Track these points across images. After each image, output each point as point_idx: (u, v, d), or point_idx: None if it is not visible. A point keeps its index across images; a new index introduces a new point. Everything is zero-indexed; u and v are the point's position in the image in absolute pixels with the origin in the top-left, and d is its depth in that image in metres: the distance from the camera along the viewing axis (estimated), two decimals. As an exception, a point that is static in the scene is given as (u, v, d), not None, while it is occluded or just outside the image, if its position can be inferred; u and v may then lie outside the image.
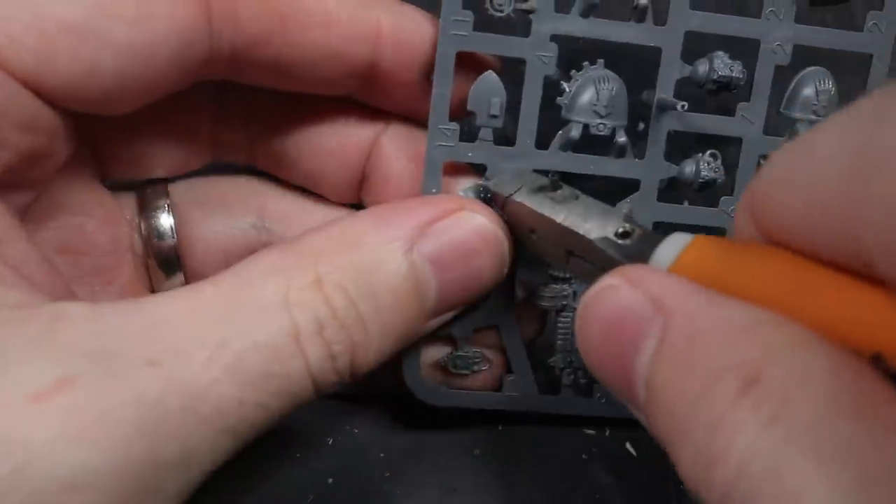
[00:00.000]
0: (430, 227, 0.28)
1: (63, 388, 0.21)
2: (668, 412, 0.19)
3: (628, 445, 0.35)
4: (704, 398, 0.18)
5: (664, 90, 0.31)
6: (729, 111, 0.32)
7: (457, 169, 0.32)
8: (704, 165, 0.32)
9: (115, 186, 0.32)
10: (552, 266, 0.33)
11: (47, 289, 0.25)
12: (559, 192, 0.28)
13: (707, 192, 0.32)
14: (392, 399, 0.36)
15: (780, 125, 0.32)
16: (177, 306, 0.24)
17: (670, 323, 0.20)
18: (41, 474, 0.20)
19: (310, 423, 0.36)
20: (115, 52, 0.25)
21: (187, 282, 0.32)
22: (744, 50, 0.31)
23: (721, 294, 0.20)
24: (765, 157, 0.32)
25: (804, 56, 0.32)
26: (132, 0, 0.26)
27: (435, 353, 0.33)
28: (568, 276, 0.33)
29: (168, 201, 0.32)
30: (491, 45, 0.30)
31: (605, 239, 0.26)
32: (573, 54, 0.31)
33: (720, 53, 0.31)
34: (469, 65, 0.31)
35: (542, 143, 0.31)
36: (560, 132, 0.31)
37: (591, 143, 0.32)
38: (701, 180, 0.32)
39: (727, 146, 0.32)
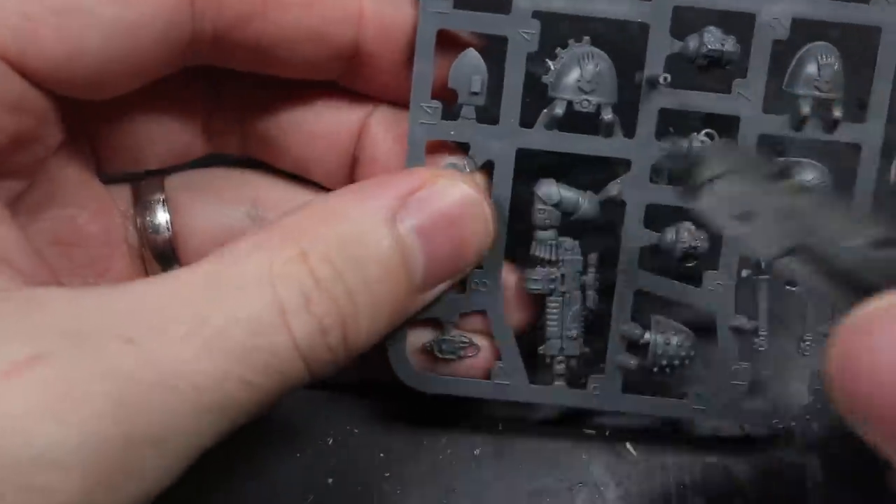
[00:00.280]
0: (412, 197, 0.28)
1: (34, 364, 0.21)
2: None
3: (628, 445, 0.34)
4: None
5: (653, 67, 0.30)
6: (727, 91, 0.31)
7: (444, 147, 0.32)
8: (698, 143, 0.31)
9: (111, 179, 0.33)
10: (538, 246, 0.32)
11: (30, 276, 0.25)
12: (788, 181, 0.26)
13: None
14: (392, 390, 0.35)
15: (781, 103, 0.31)
16: (156, 288, 0.24)
17: None
18: (11, 450, 0.20)
19: (310, 422, 0.36)
20: (100, 32, 0.26)
21: None
22: (741, 26, 0.30)
23: None
24: (765, 136, 0.31)
25: (805, 30, 0.30)
26: None
27: (423, 337, 0.32)
28: (555, 258, 0.32)
29: (163, 193, 0.33)
30: (472, 22, 0.30)
31: (860, 247, 0.21)
32: (560, 33, 0.31)
33: (712, 28, 0.30)
34: (452, 44, 0.31)
35: (531, 122, 0.31)
36: (545, 110, 0.31)
37: (579, 123, 0.31)
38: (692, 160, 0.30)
39: (725, 127, 0.31)
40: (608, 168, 0.32)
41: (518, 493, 0.34)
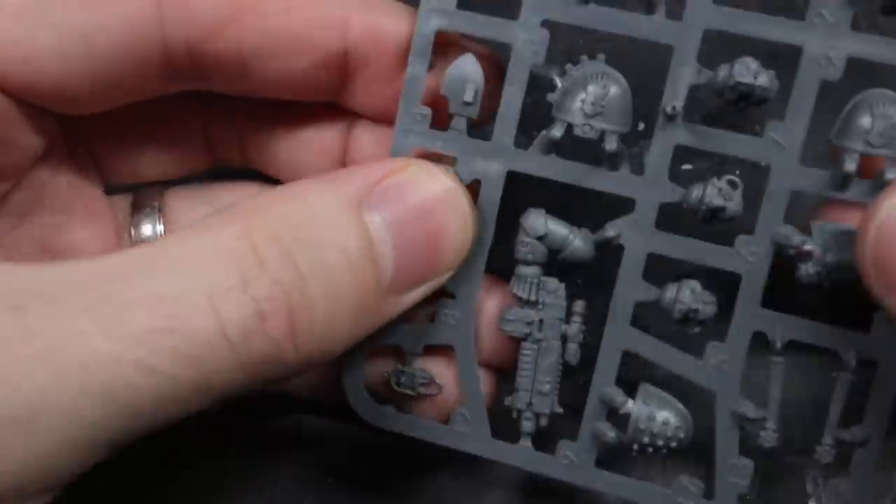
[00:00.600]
0: (380, 185, 0.25)
1: None
2: None
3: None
4: None
5: (673, 96, 0.26)
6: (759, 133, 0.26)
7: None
8: (714, 191, 0.26)
9: (115, 189, 0.32)
10: (517, 282, 0.28)
11: None
12: None
13: (719, 226, 0.27)
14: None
15: (824, 156, 0.26)
16: (66, 262, 0.23)
17: None
18: None
19: (310, 422, 0.34)
20: (56, 33, 0.25)
21: None
22: (788, 61, 0.26)
23: None
24: (800, 193, 0.26)
25: (864, 74, 0.26)
26: None
27: (385, 366, 0.29)
28: (534, 299, 0.28)
29: (158, 203, 0.31)
30: (474, 24, 0.27)
31: None
32: (574, 48, 0.27)
33: (747, 59, 0.26)
34: (452, 49, 0.28)
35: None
36: (543, 131, 0.27)
37: (585, 151, 0.27)
38: (705, 206, 0.26)
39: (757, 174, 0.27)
40: (613, 205, 0.28)
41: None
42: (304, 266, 0.23)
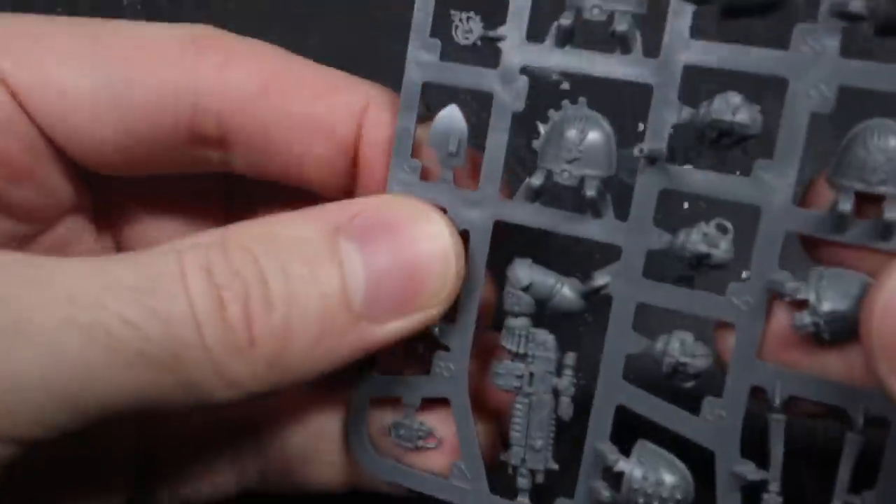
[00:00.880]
0: (359, 215, 0.25)
1: None
2: None
3: None
4: None
5: (655, 137, 0.25)
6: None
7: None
8: (698, 237, 0.25)
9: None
10: (506, 335, 0.27)
11: None
12: None
13: (710, 273, 0.25)
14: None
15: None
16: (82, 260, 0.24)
17: None
18: None
19: None
20: (97, 82, 0.27)
21: None
22: (777, 93, 0.24)
23: None
24: (795, 235, 0.24)
25: (857, 103, 0.23)
26: (125, 44, 0.27)
27: (388, 418, 0.29)
28: (523, 352, 0.27)
29: None
30: (458, 75, 0.27)
31: None
32: (559, 93, 0.27)
33: (729, 94, 0.24)
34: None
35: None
36: (527, 179, 0.27)
37: (569, 197, 0.26)
38: (689, 254, 0.25)
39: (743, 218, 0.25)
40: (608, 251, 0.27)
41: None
42: (267, 268, 0.24)
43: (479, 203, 0.27)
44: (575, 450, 0.27)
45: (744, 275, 0.25)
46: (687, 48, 0.25)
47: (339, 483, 0.31)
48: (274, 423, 0.31)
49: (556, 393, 0.27)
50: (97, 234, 0.31)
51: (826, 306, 0.23)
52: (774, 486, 0.25)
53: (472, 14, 0.27)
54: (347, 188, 0.30)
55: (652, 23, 0.25)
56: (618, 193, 0.26)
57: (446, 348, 0.28)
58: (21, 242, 0.29)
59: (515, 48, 0.26)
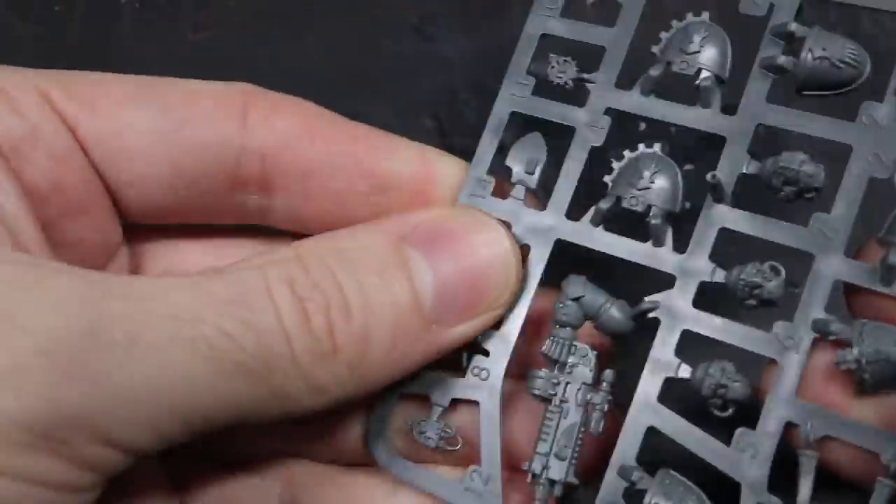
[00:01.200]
0: (423, 224, 0.27)
1: None
2: None
3: None
4: None
5: (724, 184, 0.27)
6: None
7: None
8: (753, 269, 0.26)
9: None
10: (550, 342, 0.28)
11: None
12: None
13: (759, 309, 0.26)
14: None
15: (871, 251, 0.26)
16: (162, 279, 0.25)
17: None
18: None
19: None
20: (150, 122, 0.28)
21: None
22: (840, 156, 0.27)
23: None
24: (843, 284, 0.26)
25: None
26: (178, 90, 0.29)
27: (409, 414, 0.29)
28: (564, 360, 0.28)
29: None
30: (545, 110, 0.30)
31: None
32: (636, 135, 0.29)
33: (797, 153, 0.27)
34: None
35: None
36: (594, 205, 0.29)
37: (634, 226, 0.28)
38: (743, 283, 0.26)
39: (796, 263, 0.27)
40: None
41: None
42: (342, 279, 0.25)
43: (545, 221, 0.29)
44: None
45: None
46: (762, 110, 0.28)
47: None
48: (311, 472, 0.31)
49: (588, 406, 0.27)
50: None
51: (870, 346, 0.25)
52: (801, 527, 0.25)
53: (568, 58, 0.30)
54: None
55: (731, 84, 0.28)
56: (678, 229, 0.28)
57: (486, 353, 0.28)
58: None
59: (604, 91, 0.29)
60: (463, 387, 0.29)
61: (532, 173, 0.29)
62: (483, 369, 0.28)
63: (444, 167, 0.30)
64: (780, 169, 0.26)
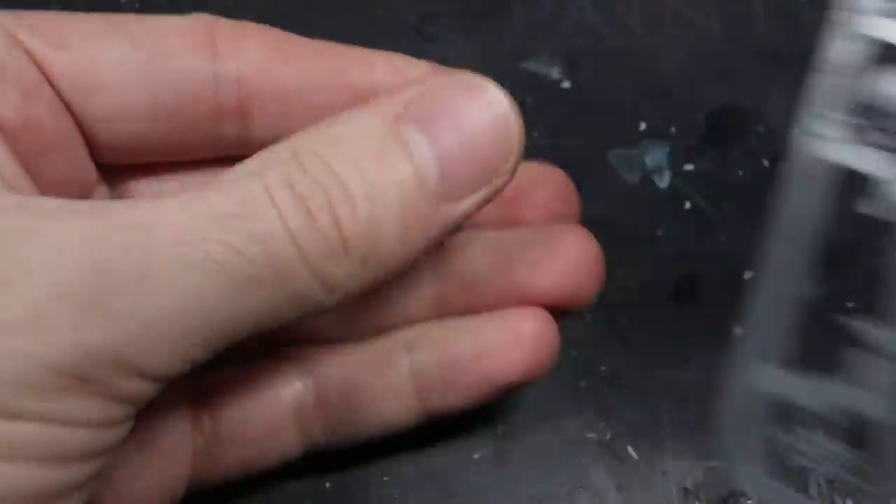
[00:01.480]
0: (417, 97, 0.26)
1: None
2: None
3: (630, 449, 0.29)
4: None
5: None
6: None
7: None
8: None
9: None
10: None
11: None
12: None
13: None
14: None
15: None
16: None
17: None
18: None
19: None
20: (119, 54, 0.28)
21: None
22: None
23: None
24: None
25: None
26: (144, 26, 0.28)
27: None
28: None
29: None
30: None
31: None
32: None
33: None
34: None
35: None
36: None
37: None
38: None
39: None
40: None
41: (517, 498, 0.31)
42: (341, 170, 0.24)
43: None
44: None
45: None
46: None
47: (412, 416, 0.29)
48: (329, 357, 0.31)
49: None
50: None
51: None
52: None
53: None
54: None
55: None
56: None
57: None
58: None
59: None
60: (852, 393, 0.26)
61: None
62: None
63: (417, 72, 0.30)
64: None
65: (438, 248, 0.28)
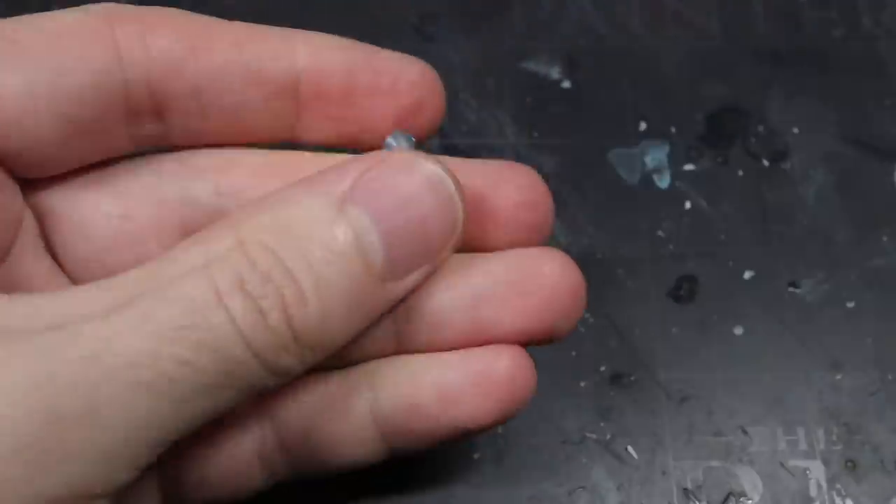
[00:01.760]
0: (362, 178, 0.25)
1: None
2: None
3: (630, 449, 0.29)
4: None
5: None
6: None
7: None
8: None
9: None
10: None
11: None
12: None
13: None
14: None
15: None
16: (91, 286, 0.24)
17: None
18: None
19: None
20: (20, 78, 0.26)
21: None
22: None
23: None
24: None
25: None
26: (37, 38, 0.27)
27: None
28: None
29: None
30: None
31: None
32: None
33: None
34: None
35: None
36: None
37: None
38: None
39: None
40: None
41: (517, 498, 0.31)
42: (291, 263, 0.24)
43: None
44: None
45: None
46: None
47: (378, 455, 0.30)
48: (288, 400, 0.31)
49: None
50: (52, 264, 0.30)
51: None
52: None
53: None
54: (290, 132, 0.30)
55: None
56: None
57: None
58: None
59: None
60: None
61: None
62: None
63: (334, 56, 0.29)
64: None
65: None
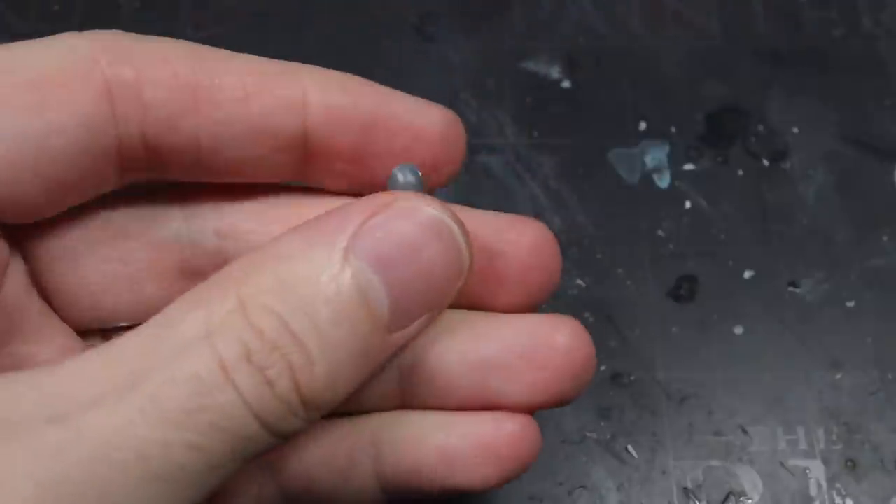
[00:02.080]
0: (363, 226, 0.24)
1: None
2: None
3: (630, 449, 0.29)
4: None
5: None
6: None
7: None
8: None
9: None
10: None
11: None
12: None
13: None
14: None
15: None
16: (89, 361, 0.23)
17: None
18: None
19: None
20: (4, 143, 0.25)
21: None
22: None
23: None
24: None
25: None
26: (23, 89, 0.25)
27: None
28: None
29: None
30: None
31: None
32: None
33: None
34: None
35: None
36: None
37: None
38: None
39: None
40: None
41: (517, 498, 0.31)
42: (297, 326, 0.24)
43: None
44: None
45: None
46: None
47: (374, 503, 0.30)
48: (291, 455, 0.30)
49: None
50: (42, 305, 0.29)
51: None
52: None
53: None
54: (296, 176, 0.29)
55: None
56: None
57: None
58: None
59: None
60: None
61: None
62: None
63: (347, 109, 0.27)
64: None
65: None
